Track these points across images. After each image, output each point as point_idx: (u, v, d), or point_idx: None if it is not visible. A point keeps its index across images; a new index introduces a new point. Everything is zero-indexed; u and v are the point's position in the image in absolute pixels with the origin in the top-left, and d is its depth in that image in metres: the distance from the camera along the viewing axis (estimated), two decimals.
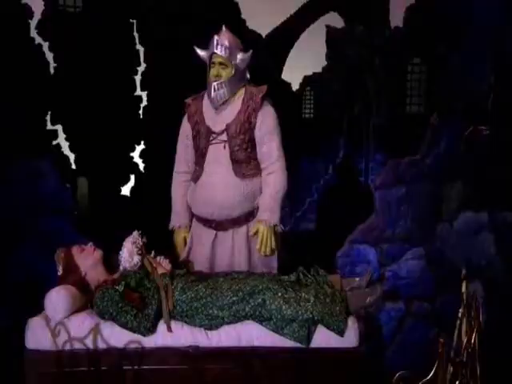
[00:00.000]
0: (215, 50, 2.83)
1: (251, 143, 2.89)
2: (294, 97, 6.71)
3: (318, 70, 6.69)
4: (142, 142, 6.64)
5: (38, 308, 2.66)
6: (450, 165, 3.20)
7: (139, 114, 6.61)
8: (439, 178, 3.22)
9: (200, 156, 2.92)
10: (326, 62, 6.63)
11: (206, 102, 2.96)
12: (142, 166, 6.66)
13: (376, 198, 3.28)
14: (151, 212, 6.13)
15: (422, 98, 6.63)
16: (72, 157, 6.48)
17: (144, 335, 2.52)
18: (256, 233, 2.86)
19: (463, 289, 2.26)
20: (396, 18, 6.39)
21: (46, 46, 6.39)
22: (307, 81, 6.79)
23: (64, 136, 6.52)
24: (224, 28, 2.90)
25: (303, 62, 6.50)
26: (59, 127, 6.48)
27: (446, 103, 3.24)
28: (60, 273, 2.65)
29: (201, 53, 2.93)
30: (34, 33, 6.28)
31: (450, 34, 3.27)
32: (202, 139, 2.90)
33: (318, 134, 6.70)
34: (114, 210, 6.27)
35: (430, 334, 3.25)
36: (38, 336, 2.52)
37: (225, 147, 2.86)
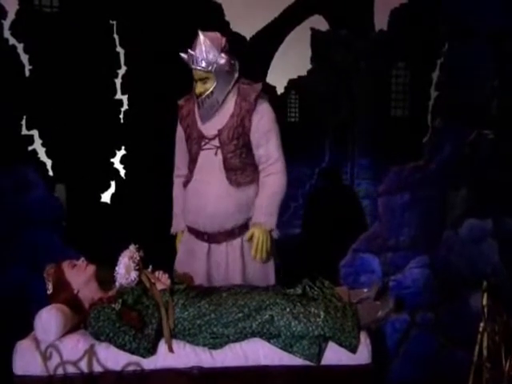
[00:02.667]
0: (193, 66, 2.65)
1: (246, 148, 2.71)
2: (279, 100, 6.61)
3: (303, 73, 6.59)
4: (123, 148, 6.42)
5: (25, 329, 2.47)
6: (454, 170, 3.11)
7: (120, 119, 6.39)
8: (443, 184, 3.13)
9: (191, 161, 2.77)
10: (311, 66, 6.55)
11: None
12: (122, 172, 6.45)
13: (379, 205, 3.17)
14: (133, 219, 5.94)
15: (406, 102, 6.61)
16: (49, 163, 6.23)
17: (144, 357, 2.35)
18: (251, 238, 2.68)
19: (484, 301, 2.16)
20: (381, 22, 6.35)
21: (20, 47, 6.12)
22: (292, 84, 6.70)
23: (40, 141, 6.27)
24: (200, 34, 2.65)
25: (288, 66, 6.39)
26: (35, 132, 6.23)
27: (448, 107, 3.16)
28: (50, 291, 2.46)
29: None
30: (7, 33, 6.02)
31: (451, 37, 3.20)
32: (194, 144, 2.75)
33: (304, 137, 6.60)
34: (94, 217, 6.05)
35: (436, 344, 3.16)
36: (27, 360, 2.33)
37: (216, 154, 2.70)
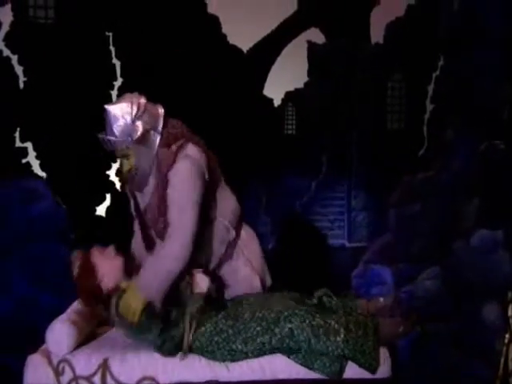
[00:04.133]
0: (107, 149, 2.44)
1: None
2: (276, 113, 6.60)
3: (300, 85, 6.60)
4: (119, 160, 6.34)
5: (32, 342, 2.40)
6: (465, 181, 3.10)
7: None
8: (454, 195, 3.12)
9: None
10: (307, 78, 6.57)
11: None
12: (118, 185, 6.37)
13: (390, 216, 3.15)
14: (128, 233, 5.86)
15: (403, 114, 6.64)
16: (44, 176, 6.14)
17: (165, 356, 2.29)
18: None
19: (509, 312, 2.13)
20: (377, 35, 6.40)
21: (15, 59, 6.07)
22: (289, 97, 6.70)
23: (34, 154, 6.18)
24: (106, 109, 2.41)
25: (285, 78, 6.40)
26: (29, 145, 6.15)
27: (459, 117, 3.16)
28: (76, 273, 2.36)
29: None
30: (1, 45, 5.98)
31: (459, 46, 3.21)
32: None
33: (300, 149, 6.59)
34: (89, 230, 5.96)
35: (449, 356, 3.12)
36: (39, 376, 2.27)
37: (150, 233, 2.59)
